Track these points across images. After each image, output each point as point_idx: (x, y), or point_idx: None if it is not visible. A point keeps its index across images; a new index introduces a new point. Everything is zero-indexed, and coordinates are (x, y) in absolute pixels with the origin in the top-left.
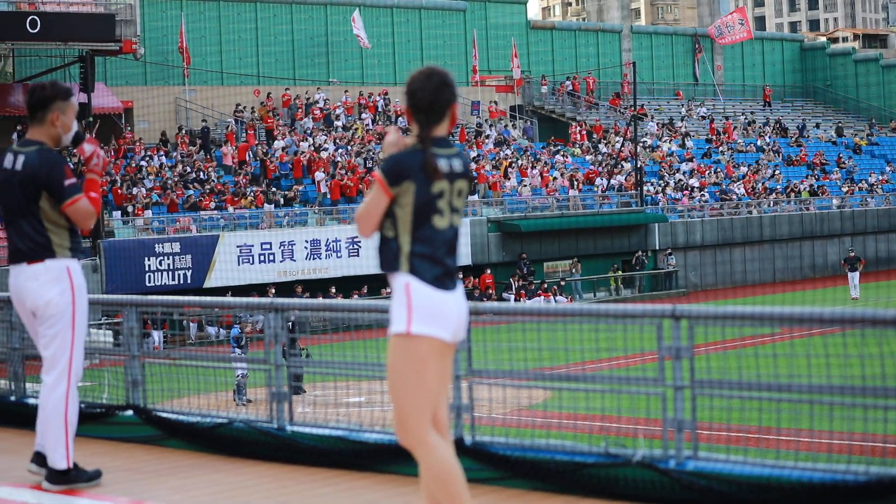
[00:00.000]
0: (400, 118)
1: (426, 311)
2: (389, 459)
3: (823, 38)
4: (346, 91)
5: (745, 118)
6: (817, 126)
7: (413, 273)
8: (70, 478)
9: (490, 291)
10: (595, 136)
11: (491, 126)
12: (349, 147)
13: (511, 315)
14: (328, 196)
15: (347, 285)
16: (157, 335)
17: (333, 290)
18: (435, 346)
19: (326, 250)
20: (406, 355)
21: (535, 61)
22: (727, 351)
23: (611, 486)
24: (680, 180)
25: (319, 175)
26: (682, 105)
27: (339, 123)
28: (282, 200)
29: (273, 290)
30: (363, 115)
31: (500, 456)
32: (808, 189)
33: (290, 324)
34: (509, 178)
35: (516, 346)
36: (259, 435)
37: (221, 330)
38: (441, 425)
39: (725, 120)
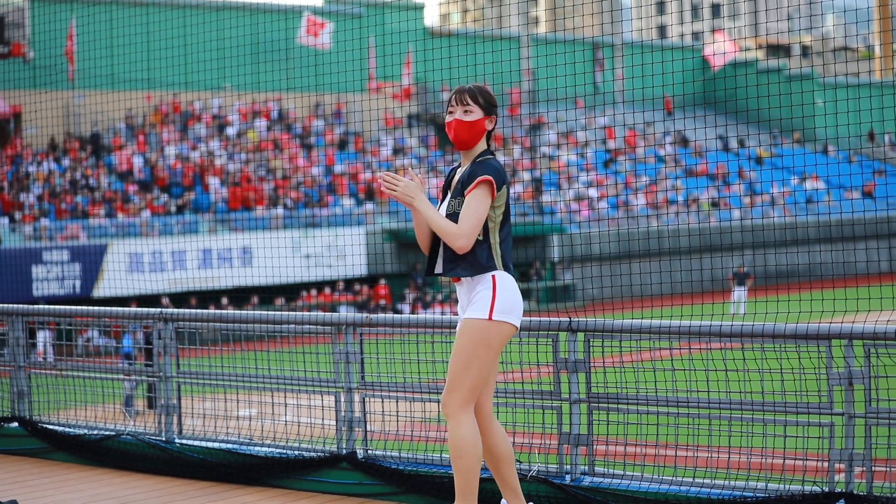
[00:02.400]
0: (297, 123)
1: (509, 302)
2: (280, 473)
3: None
4: (238, 97)
5: (646, 128)
6: (719, 137)
7: (504, 269)
8: None
9: (385, 302)
10: (494, 144)
11: (387, 134)
12: (243, 155)
13: (405, 327)
14: (222, 204)
15: (239, 295)
16: (42, 336)
17: (226, 301)
18: (508, 333)
19: (218, 259)
20: (481, 337)
21: (433, 68)
22: (624, 365)
23: None
24: (579, 191)
25: (214, 181)
26: (583, 114)
27: (232, 130)
28: (173, 208)
29: (167, 300)
30: (257, 122)
31: (393, 470)
32: (709, 201)
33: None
34: None
35: (410, 358)
36: (147, 448)
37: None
38: (485, 412)
39: (626, 130)
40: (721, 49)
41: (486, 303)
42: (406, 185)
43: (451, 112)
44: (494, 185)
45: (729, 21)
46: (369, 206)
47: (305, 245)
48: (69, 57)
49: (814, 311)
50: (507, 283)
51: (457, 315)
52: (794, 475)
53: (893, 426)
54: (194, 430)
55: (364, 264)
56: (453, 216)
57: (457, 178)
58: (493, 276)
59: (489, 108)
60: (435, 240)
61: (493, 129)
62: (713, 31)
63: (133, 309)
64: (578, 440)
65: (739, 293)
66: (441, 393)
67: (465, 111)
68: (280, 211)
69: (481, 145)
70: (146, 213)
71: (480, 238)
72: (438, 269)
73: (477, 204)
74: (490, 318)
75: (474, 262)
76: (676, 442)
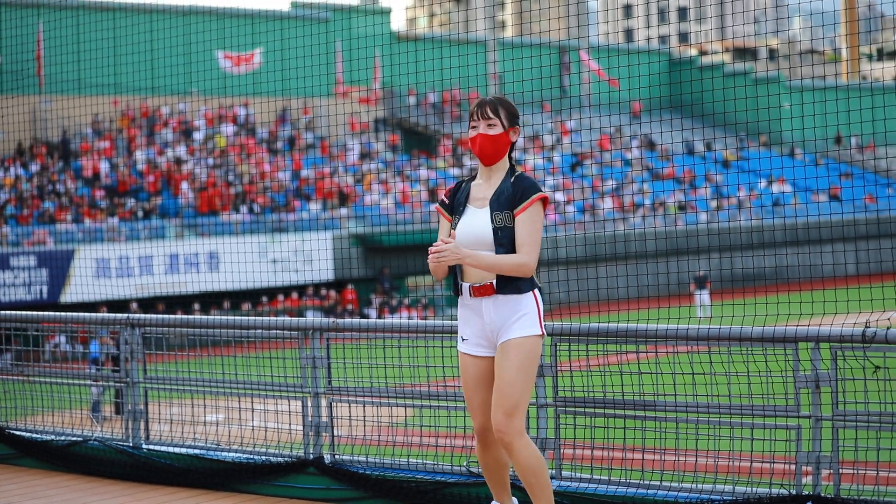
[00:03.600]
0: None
1: (543, 315)
2: (247, 479)
3: (693, 51)
4: (205, 101)
5: (613, 132)
6: (686, 140)
7: (538, 285)
8: None
9: (352, 307)
10: (460, 149)
11: (354, 139)
12: (210, 159)
13: (372, 331)
14: (189, 209)
15: (206, 301)
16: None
17: (197, 307)
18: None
19: (185, 264)
20: (534, 354)
21: (400, 73)
22: (591, 368)
23: None
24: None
25: (184, 186)
26: (550, 118)
27: (199, 135)
28: (140, 213)
29: (136, 306)
30: (223, 127)
31: (360, 475)
32: (675, 204)
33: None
34: (371, 192)
35: (377, 363)
36: (114, 454)
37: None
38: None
39: (593, 133)
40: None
41: (535, 318)
42: (453, 248)
43: (473, 127)
44: (547, 202)
45: (696, 24)
46: (341, 211)
47: (272, 250)
48: (39, 62)
49: (780, 313)
50: (541, 298)
51: (424, 320)
52: (761, 478)
53: (860, 428)
54: (161, 436)
55: (331, 269)
56: (502, 229)
57: (487, 193)
58: (535, 292)
59: (512, 119)
60: None
61: (516, 141)
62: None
63: (100, 314)
64: (545, 444)
65: (702, 297)
66: (408, 398)
67: (489, 125)
68: (247, 216)
69: (506, 159)
70: (114, 220)
71: None
72: (488, 275)
73: (537, 223)
74: (542, 334)
75: (515, 281)
76: (644, 445)
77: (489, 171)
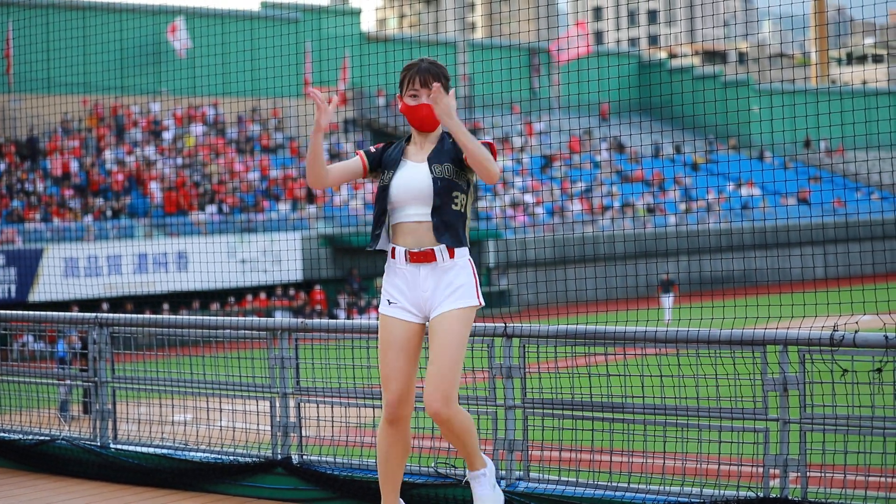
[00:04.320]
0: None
1: (480, 284)
2: (215, 479)
3: (663, 54)
4: (175, 101)
5: (582, 134)
6: (655, 143)
7: (470, 247)
8: None
9: (320, 308)
10: None
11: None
12: (178, 159)
13: (340, 332)
14: (158, 208)
15: (175, 300)
16: None
17: (167, 307)
18: None
19: (154, 264)
20: (470, 325)
21: (369, 73)
22: (560, 370)
23: None
24: (515, 196)
25: (153, 185)
26: (519, 120)
27: (168, 135)
28: (109, 212)
29: (106, 306)
30: (192, 126)
31: (328, 476)
32: (644, 207)
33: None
34: (340, 193)
35: (346, 363)
36: (82, 453)
37: (45, 345)
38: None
39: (563, 135)
40: (573, 44)
41: (472, 288)
42: (447, 99)
43: (413, 95)
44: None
45: (665, 27)
46: (305, 211)
47: (241, 250)
48: (7, 60)
49: (749, 316)
50: (474, 266)
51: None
52: (729, 480)
53: (828, 432)
54: (129, 436)
55: (300, 269)
56: (442, 180)
57: (423, 152)
58: (470, 259)
59: (447, 84)
60: (381, 208)
61: None
62: (576, 23)
63: (68, 314)
64: (513, 445)
65: (666, 300)
66: (376, 399)
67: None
68: (216, 216)
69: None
70: (88, 218)
71: (460, 209)
72: (426, 240)
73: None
74: (480, 304)
75: (451, 232)
76: (612, 447)
77: (424, 137)
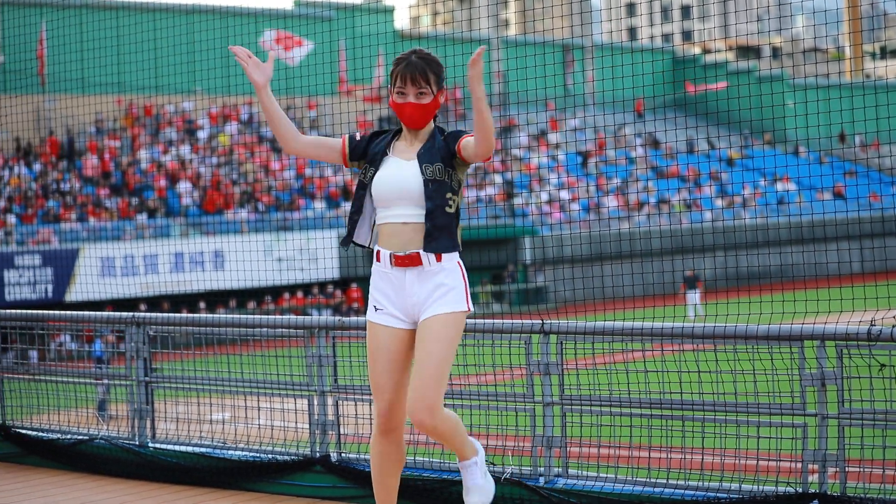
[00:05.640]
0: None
1: (469, 289)
2: (254, 477)
3: (697, 50)
4: (210, 100)
5: (617, 130)
6: (690, 138)
7: (461, 251)
8: None
9: (357, 305)
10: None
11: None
12: (214, 158)
13: None
14: (193, 207)
15: (212, 299)
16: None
17: (203, 305)
18: None
19: (190, 263)
20: (460, 331)
21: None
22: (597, 367)
23: None
24: (551, 193)
25: (185, 185)
26: (554, 116)
27: (203, 134)
28: (145, 213)
29: (144, 306)
30: (227, 126)
31: (366, 473)
32: (680, 203)
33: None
34: None
35: None
36: (121, 452)
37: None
38: (403, 419)
39: (597, 132)
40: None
41: (462, 293)
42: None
43: (400, 93)
44: None
45: (699, 23)
46: (341, 209)
47: (277, 249)
48: (40, 61)
49: (786, 312)
50: (465, 269)
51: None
52: (767, 476)
53: (866, 427)
54: (167, 434)
55: (336, 267)
56: (433, 182)
57: (412, 149)
58: (459, 262)
59: (440, 82)
60: (356, 207)
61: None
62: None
63: (105, 313)
64: (552, 442)
65: (692, 296)
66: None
67: (420, 93)
68: (252, 214)
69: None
70: (139, 218)
71: (453, 210)
72: (412, 243)
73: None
74: (469, 309)
75: (454, 239)
76: (650, 443)
77: (415, 133)
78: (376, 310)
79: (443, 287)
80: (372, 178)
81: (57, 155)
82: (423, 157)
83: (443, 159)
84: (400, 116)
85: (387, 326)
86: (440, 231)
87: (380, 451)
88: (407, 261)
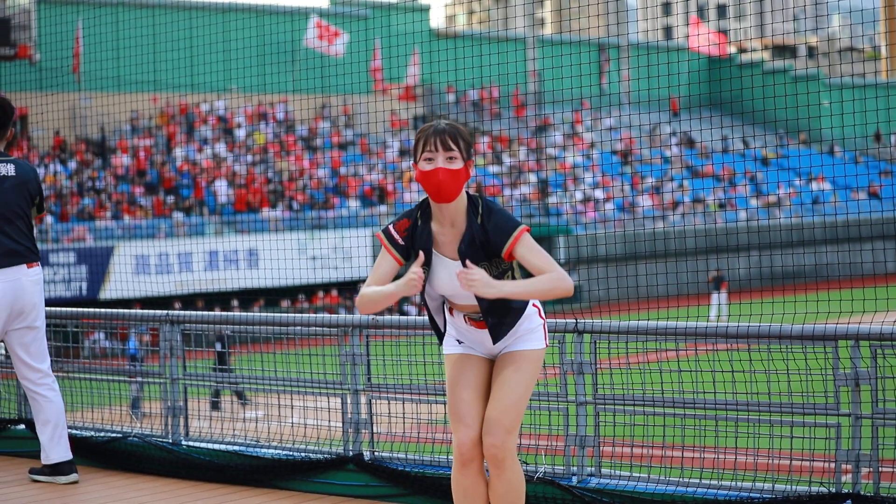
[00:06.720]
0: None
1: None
2: (287, 475)
3: (732, 49)
4: (245, 99)
5: (653, 129)
6: (725, 138)
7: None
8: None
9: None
10: (500, 146)
11: (393, 136)
12: (248, 157)
13: (411, 329)
14: (228, 206)
15: (246, 297)
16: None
17: (236, 303)
18: None
19: (225, 261)
20: (539, 367)
21: (439, 70)
22: (631, 366)
23: None
24: (585, 192)
25: (219, 184)
26: (589, 115)
27: (239, 132)
28: (181, 211)
29: (179, 304)
30: (262, 125)
31: (399, 472)
32: (715, 202)
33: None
34: (410, 190)
35: (416, 360)
36: (154, 450)
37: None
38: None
39: (632, 131)
40: (706, 41)
41: (540, 331)
42: (483, 277)
43: (428, 159)
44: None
45: (735, 22)
46: (381, 208)
47: (311, 247)
48: (77, 59)
49: (820, 311)
50: (542, 309)
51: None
52: (800, 476)
53: None
54: (201, 432)
55: (370, 266)
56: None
57: (451, 239)
58: (534, 303)
59: (469, 151)
60: (429, 308)
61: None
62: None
63: (140, 311)
64: (585, 441)
65: (718, 297)
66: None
67: (450, 158)
68: (286, 213)
69: (463, 194)
70: (179, 215)
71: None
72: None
73: (535, 246)
74: (546, 345)
75: (520, 307)
76: (683, 443)
77: (445, 211)
78: (459, 342)
79: (522, 327)
80: (426, 280)
81: (92, 153)
82: (466, 253)
83: (487, 254)
84: (427, 187)
85: (469, 354)
86: (503, 317)
87: (464, 488)
88: (482, 324)
